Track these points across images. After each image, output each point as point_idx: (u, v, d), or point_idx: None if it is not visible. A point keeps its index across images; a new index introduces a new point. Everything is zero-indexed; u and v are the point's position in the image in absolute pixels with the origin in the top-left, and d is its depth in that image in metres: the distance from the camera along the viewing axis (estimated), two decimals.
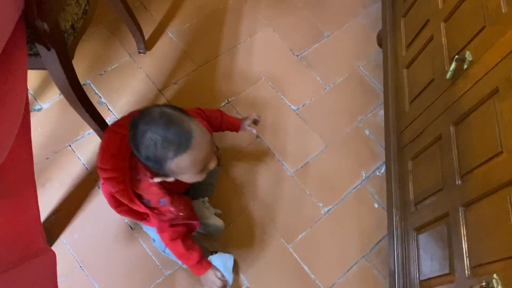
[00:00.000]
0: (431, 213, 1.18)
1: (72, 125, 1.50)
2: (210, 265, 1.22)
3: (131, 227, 1.39)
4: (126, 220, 1.39)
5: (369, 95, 1.73)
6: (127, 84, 1.60)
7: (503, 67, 0.95)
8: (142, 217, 1.19)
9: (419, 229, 1.25)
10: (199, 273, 1.21)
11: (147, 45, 1.66)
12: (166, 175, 0.98)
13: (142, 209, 1.05)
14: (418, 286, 1.21)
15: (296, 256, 1.42)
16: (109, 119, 1.49)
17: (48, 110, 1.52)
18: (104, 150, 1.00)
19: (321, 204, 1.51)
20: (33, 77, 1.56)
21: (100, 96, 1.57)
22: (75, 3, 1.05)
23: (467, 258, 0.99)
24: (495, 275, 0.88)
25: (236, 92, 1.66)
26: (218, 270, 1.23)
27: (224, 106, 1.62)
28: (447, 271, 1.06)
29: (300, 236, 1.45)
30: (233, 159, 1.54)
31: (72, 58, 1.09)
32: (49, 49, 0.96)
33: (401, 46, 1.54)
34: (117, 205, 1.11)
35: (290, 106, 1.66)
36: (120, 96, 1.58)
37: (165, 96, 1.60)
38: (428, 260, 1.17)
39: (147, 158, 0.91)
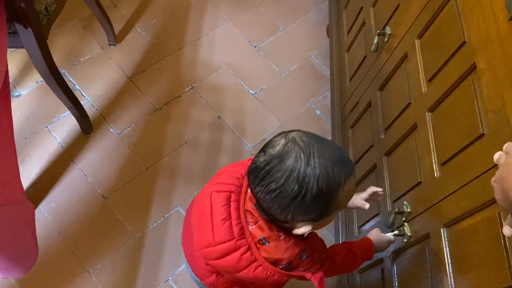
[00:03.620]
0: (364, 167, 1.37)
1: (48, 109, 1.65)
2: (368, 240, 1.03)
3: (104, 197, 1.53)
4: (98, 190, 1.54)
5: (320, 80, 1.93)
6: (98, 73, 1.77)
7: (410, 35, 1.15)
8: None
9: (357, 184, 1.43)
10: (371, 254, 1.02)
11: (117, 38, 1.83)
12: (322, 216, 0.75)
13: (282, 276, 0.82)
14: (357, 233, 1.39)
15: None
16: (83, 103, 1.64)
17: (26, 96, 1.67)
18: (211, 216, 0.81)
19: None
20: (12, 66, 1.71)
21: (74, 83, 1.73)
22: None
23: (388, 197, 1.18)
24: (405, 202, 1.06)
25: (199, 79, 1.83)
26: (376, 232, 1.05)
27: (188, 91, 1.79)
28: (377, 212, 1.25)
29: None
30: (196, 136, 1.70)
31: (47, 38, 1.25)
32: (26, 27, 1.13)
33: (343, 33, 1.75)
34: None
35: (248, 90, 1.85)
36: (92, 83, 1.74)
37: (134, 83, 1.76)
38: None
39: (317, 195, 0.70)
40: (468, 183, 0.80)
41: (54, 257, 1.43)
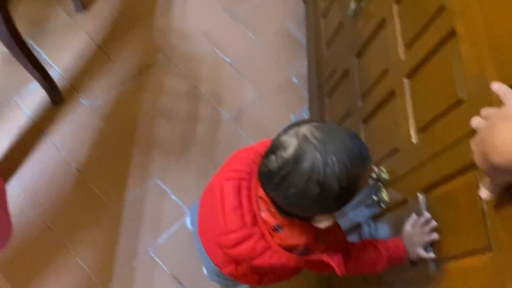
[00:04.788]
0: None
1: (14, 81, 1.58)
2: (399, 240, 0.92)
3: (78, 170, 1.50)
4: (72, 164, 1.50)
5: (296, 47, 1.91)
6: (66, 41, 1.69)
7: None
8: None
9: None
10: (404, 256, 0.91)
11: (84, 4, 1.74)
12: (344, 206, 0.73)
13: (299, 262, 0.81)
14: None
15: None
16: (52, 73, 1.57)
17: None
18: (222, 205, 0.79)
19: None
20: None
21: (40, 53, 1.65)
22: None
23: None
24: (382, 169, 1.07)
25: (172, 47, 1.78)
26: (408, 226, 0.90)
27: (161, 60, 1.74)
28: None
29: None
30: (172, 107, 1.67)
31: (8, 3, 1.17)
32: None
33: None
34: (260, 277, 0.92)
35: (223, 58, 1.81)
36: (60, 52, 1.67)
37: (104, 51, 1.70)
38: None
39: (339, 192, 0.67)
40: (446, 149, 0.81)
41: (30, 233, 1.40)
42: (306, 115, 1.77)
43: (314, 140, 0.67)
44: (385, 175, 1.06)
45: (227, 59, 1.81)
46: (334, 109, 1.49)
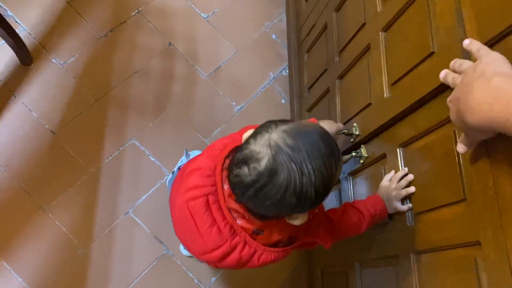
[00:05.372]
0: (317, 93, 1.36)
1: None
2: (377, 196, 0.95)
3: (52, 132, 1.46)
4: (46, 125, 1.46)
5: (275, 2, 1.85)
6: None
7: None
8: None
9: (310, 110, 1.43)
10: (384, 211, 0.94)
11: None
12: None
13: (287, 251, 0.81)
14: None
15: None
16: (19, 31, 1.49)
17: None
18: (197, 227, 0.78)
19: (233, 103, 1.66)
20: None
21: (5, 9, 1.56)
22: None
23: (339, 119, 1.19)
24: (354, 124, 1.07)
25: (145, 2, 1.70)
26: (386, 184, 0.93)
27: (134, 15, 1.67)
28: None
29: (216, 131, 1.60)
30: (146, 65, 1.62)
31: None
32: None
33: None
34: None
35: (200, 14, 1.75)
36: (26, 9, 1.58)
37: (74, 7, 1.62)
38: None
39: (316, 197, 0.65)
40: (422, 102, 0.81)
41: (5, 197, 1.37)
42: (285, 73, 1.74)
43: (287, 149, 0.63)
44: (356, 132, 1.06)
45: (203, 15, 1.75)
46: (312, 66, 1.47)
